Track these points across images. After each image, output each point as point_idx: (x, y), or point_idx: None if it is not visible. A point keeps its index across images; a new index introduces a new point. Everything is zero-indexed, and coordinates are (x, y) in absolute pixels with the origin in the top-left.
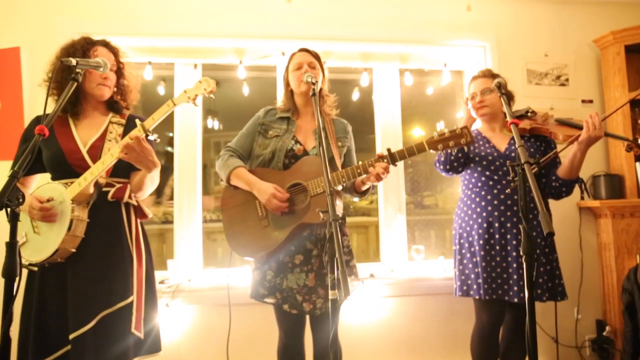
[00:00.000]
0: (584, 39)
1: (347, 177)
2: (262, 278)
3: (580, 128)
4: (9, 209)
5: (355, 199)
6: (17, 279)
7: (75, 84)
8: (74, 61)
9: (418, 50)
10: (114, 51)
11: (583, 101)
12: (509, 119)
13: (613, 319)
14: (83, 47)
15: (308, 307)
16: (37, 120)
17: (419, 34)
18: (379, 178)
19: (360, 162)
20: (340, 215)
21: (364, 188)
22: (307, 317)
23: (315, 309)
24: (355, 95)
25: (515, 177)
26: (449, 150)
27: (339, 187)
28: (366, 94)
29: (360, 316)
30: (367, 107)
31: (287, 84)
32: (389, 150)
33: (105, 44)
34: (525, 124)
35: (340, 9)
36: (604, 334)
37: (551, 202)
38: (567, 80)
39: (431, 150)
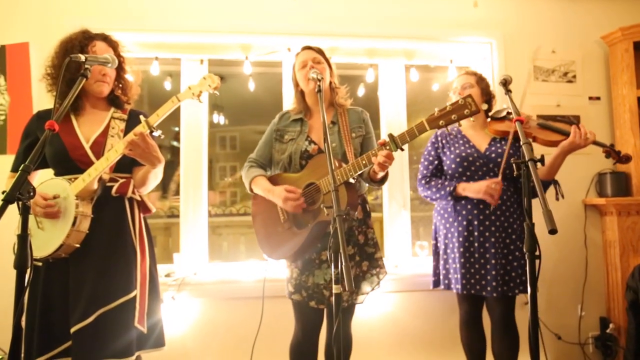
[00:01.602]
0: (592, 35)
1: (354, 170)
2: (290, 276)
3: (560, 133)
4: (20, 203)
5: (376, 187)
6: (29, 270)
7: (84, 80)
8: (83, 57)
9: (424, 47)
10: (113, 45)
11: (590, 98)
12: (514, 115)
13: (617, 316)
14: (81, 42)
15: None
16: (38, 117)
17: (425, 31)
18: (382, 167)
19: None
20: (345, 211)
21: (379, 176)
22: (325, 313)
23: (342, 302)
24: (361, 91)
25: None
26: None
27: (352, 180)
28: (371, 90)
29: (364, 311)
30: (372, 103)
31: (296, 85)
32: (390, 135)
33: (104, 38)
34: (508, 126)
35: (345, 5)
36: (608, 331)
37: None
38: (574, 77)
39: (434, 129)
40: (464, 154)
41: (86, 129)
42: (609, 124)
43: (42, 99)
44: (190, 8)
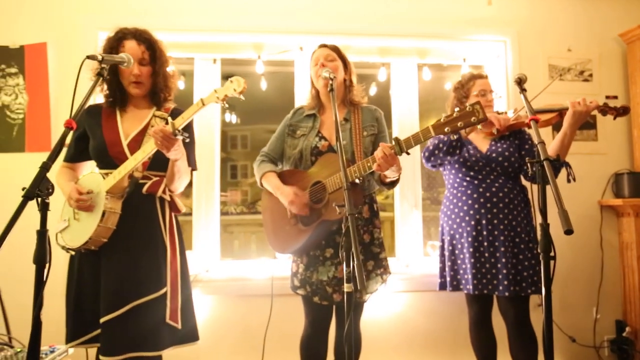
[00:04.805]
0: (609, 32)
1: (359, 171)
2: (296, 271)
3: (552, 111)
4: (39, 199)
5: (385, 189)
6: (47, 265)
7: (101, 78)
8: (99, 57)
9: (437, 45)
10: (146, 43)
11: (607, 97)
12: (529, 114)
13: (634, 319)
14: (112, 44)
15: (338, 297)
16: (87, 111)
17: (437, 29)
18: (379, 167)
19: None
20: (357, 210)
21: (388, 180)
22: (333, 309)
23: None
24: (373, 90)
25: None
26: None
27: (357, 181)
28: (383, 89)
29: (374, 310)
30: (384, 102)
31: (312, 82)
32: (396, 139)
33: (135, 35)
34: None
35: (358, 3)
36: (624, 334)
37: (572, 199)
38: (590, 75)
39: (440, 136)
40: (466, 155)
41: (127, 126)
42: (626, 123)
43: (60, 98)
44: (203, 7)
